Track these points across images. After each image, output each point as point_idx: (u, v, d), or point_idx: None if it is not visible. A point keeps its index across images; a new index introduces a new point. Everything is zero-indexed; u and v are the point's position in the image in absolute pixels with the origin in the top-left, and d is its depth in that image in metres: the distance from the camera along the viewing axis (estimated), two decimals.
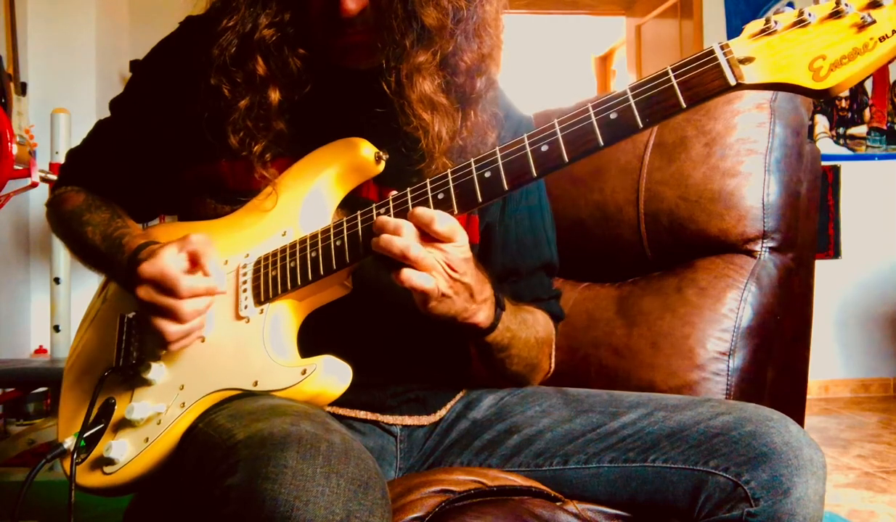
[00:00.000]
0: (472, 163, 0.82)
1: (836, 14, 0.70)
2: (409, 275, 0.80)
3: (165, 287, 0.85)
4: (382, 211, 0.85)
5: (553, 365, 1.11)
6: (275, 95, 0.92)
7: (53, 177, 2.63)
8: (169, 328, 0.86)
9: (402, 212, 0.84)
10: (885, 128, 4.26)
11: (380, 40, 0.89)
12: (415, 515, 0.82)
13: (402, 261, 0.80)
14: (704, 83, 0.72)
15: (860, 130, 4.26)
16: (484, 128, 0.95)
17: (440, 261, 0.82)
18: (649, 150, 1.32)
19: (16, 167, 2.37)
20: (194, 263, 0.87)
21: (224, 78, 0.92)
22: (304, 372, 0.82)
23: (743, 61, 0.71)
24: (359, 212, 0.86)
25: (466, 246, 0.84)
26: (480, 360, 1.02)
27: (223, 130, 0.92)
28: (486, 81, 0.94)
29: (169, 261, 0.86)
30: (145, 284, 0.86)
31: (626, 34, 4.96)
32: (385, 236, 0.81)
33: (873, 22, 0.68)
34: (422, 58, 0.88)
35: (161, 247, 0.88)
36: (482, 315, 0.90)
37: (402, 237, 0.80)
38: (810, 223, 1.31)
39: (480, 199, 0.81)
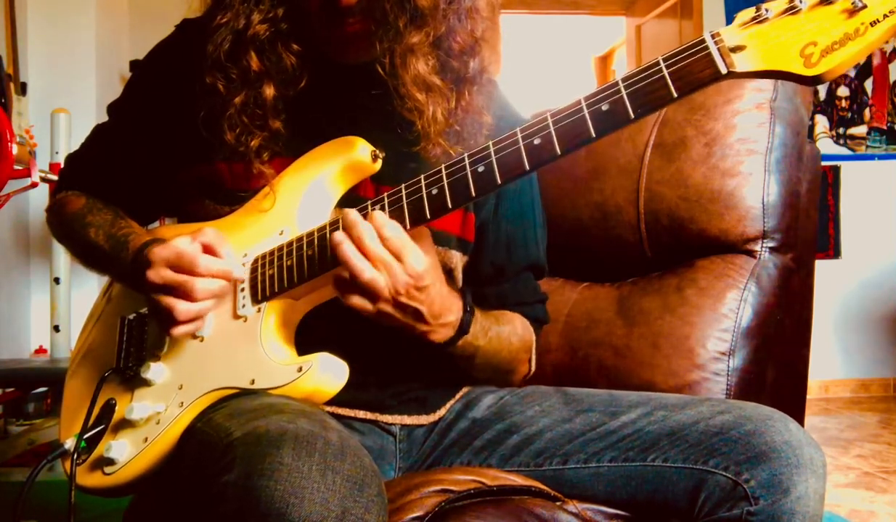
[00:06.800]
0: (466, 158, 0.82)
1: (827, 0, 0.69)
2: (353, 300, 0.83)
3: (182, 264, 0.86)
4: (378, 207, 0.85)
5: (533, 368, 1.12)
6: (269, 91, 0.92)
7: (53, 177, 2.63)
8: (179, 305, 0.86)
9: (396, 209, 0.84)
10: (885, 128, 4.26)
11: (374, 24, 0.90)
12: (414, 515, 0.81)
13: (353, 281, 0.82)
14: (695, 72, 0.71)
15: (860, 130, 4.26)
16: (479, 110, 0.95)
17: (387, 283, 0.82)
18: (649, 150, 1.32)
19: (16, 167, 2.37)
20: (208, 252, 0.88)
21: (219, 74, 0.93)
22: (300, 369, 0.82)
23: (734, 50, 0.71)
24: (356, 209, 0.86)
25: (417, 270, 0.83)
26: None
27: (219, 127, 0.93)
28: (479, 63, 0.95)
29: (185, 244, 0.87)
30: (157, 265, 0.87)
31: (626, 34, 4.96)
32: (345, 247, 0.82)
33: (864, 7, 0.67)
34: (415, 38, 0.88)
35: (172, 237, 0.89)
36: (437, 336, 0.91)
37: (358, 256, 0.82)
38: (810, 223, 1.31)
39: (474, 194, 0.81)
